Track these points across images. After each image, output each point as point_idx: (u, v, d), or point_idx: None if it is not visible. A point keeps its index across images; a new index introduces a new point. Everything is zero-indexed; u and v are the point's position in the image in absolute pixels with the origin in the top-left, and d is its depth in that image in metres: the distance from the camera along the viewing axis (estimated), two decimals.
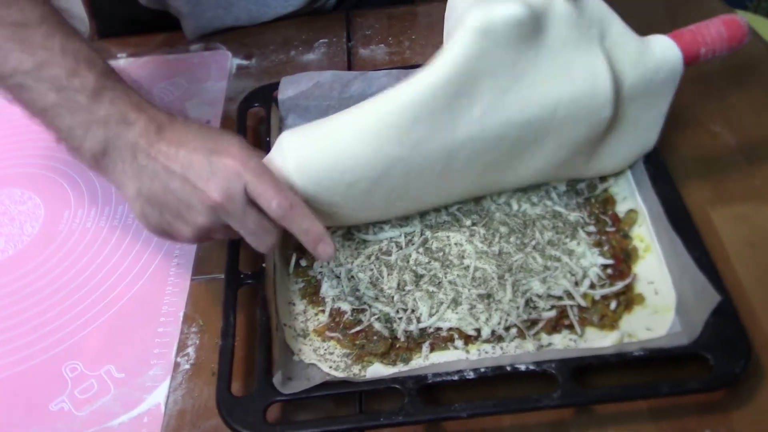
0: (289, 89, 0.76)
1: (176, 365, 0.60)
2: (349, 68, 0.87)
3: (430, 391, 0.54)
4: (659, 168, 0.65)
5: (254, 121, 0.77)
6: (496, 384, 0.54)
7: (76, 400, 0.59)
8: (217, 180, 0.52)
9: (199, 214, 0.54)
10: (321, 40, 0.91)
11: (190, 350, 0.61)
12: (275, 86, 0.77)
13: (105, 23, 1.03)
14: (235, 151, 0.54)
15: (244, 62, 0.90)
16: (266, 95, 0.77)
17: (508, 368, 0.52)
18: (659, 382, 0.50)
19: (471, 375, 0.52)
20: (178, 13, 0.92)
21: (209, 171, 0.53)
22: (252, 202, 0.53)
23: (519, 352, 0.56)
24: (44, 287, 0.68)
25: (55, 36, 0.55)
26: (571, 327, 0.58)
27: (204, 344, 0.61)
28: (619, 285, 0.60)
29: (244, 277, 0.61)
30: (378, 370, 0.56)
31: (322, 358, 0.58)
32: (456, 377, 0.52)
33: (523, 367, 0.52)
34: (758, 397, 0.53)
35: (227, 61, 0.90)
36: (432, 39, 0.89)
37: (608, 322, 0.58)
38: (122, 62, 0.92)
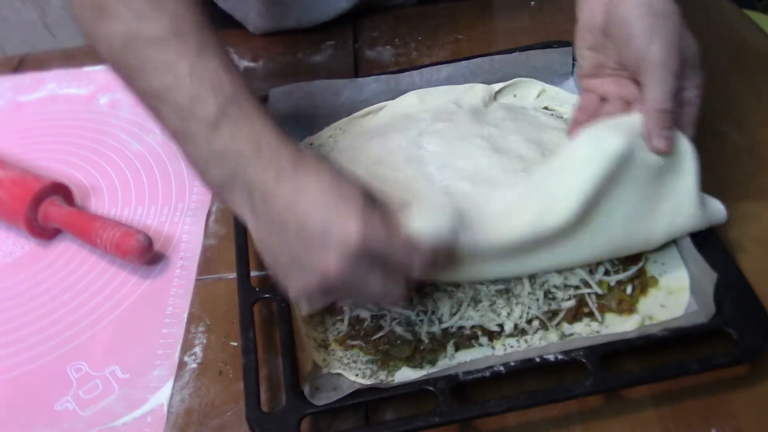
0: (279, 101, 0.75)
1: (184, 364, 0.60)
2: (356, 70, 0.87)
3: (460, 390, 0.54)
4: None
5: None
6: (522, 379, 0.53)
7: (80, 400, 0.59)
8: (334, 250, 0.46)
9: (310, 278, 0.48)
10: (328, 42, 0.91)
11: (198, 349, 0.61)
12: (265, 99, 0.76)
13: None
14: (358, 209, 0.47)
15: (251, 64, 0.90)
16: None
17: (537, 359, 0.52)
18: (687, 360, 0.51)
19: (502, 369, 0.52)
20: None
21: (324, 238, 0.47)
22: (374, 262, 0.48)
23: (544, 343, 0.56)
24: (50, 289, 0.68)
25: (186, 55, 0.51)
26: (591, 315, 0.58)
27: (211, 343, 0.61)
28: (633, 269, 0.60)
29: (260, 291, 0.60)
30: (406, 373, 0.56)
31: (347, 366, 0.58)
32: (488, 373, 0.52)
33: (552, 357, 0.52)
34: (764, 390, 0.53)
35: None
36: (438, 40, 0.89)
37: (626, 306, 0.58)
38: None
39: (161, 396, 0.58)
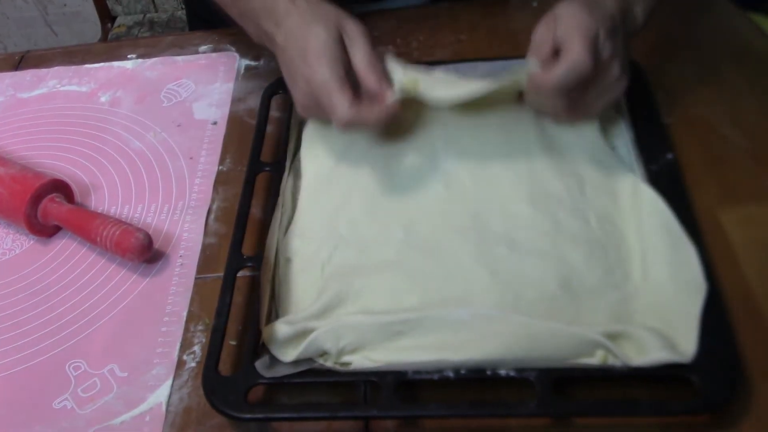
0: None
1: (182, 363, 0.60)
2: None
3: (411, 388, 0.55)
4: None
5: (276, 109, 0.79)
6: (481, 386, 0.54)
7: (79, 398, 0.59)
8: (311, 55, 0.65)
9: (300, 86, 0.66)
10: None
11: (197, 348, 0.61)
12: (278, 87, 0.77)
13: (197, 11, 1.06)
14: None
15: (253, 63, 0.90)
16: None
17: (488, 372, 0.52)
18: (641, 400, 0.50)
19: (451, 375, 0.53)
20: None
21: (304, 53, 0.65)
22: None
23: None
24: (49, 286, 0.68)
25: None
26: None
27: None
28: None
29: (246, 259, 0.61)
30: (364, 362, 0.56)
31: None
32: (436, 377, 0.53)
33: (503, 373, 0.52)
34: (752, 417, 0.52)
35: (235, 62, 0.90)
36: (440, 39, 0.89)
37: None
38: (131, 63, 0.92)
39: (160, 395, 0.58)
